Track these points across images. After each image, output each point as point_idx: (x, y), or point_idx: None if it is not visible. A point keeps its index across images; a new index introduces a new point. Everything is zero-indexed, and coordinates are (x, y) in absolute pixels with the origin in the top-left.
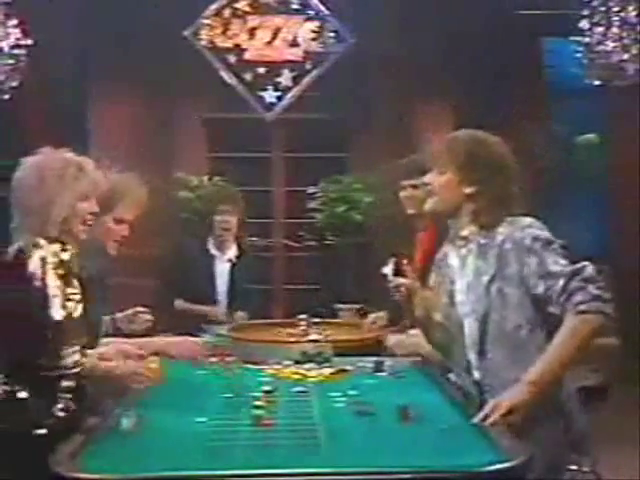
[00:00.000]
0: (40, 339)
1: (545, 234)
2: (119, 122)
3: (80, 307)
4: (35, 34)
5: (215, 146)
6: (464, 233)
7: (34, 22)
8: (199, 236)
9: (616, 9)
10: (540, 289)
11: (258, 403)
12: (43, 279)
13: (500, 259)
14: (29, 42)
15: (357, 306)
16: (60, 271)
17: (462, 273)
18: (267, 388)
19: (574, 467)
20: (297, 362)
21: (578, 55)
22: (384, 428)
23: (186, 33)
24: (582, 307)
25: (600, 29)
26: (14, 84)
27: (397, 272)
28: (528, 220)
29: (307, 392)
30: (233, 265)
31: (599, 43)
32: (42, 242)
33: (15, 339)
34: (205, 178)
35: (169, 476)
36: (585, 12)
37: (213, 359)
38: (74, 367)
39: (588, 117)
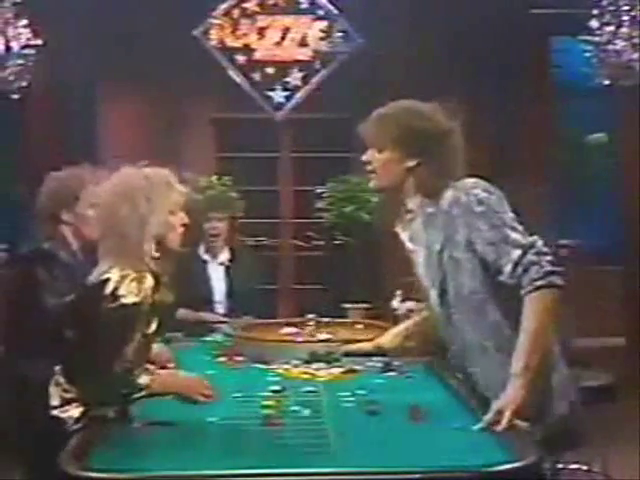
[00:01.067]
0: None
1: (492, 198)
2: (127, 122)
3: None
4: (45, 34)
5: (223, 146)
6: (410, 206)
7: (44, 22)
8: (191, 241)
9: (626, 8)
10: (490, 256)
11: (267, 403)
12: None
13: (448, 225)
14: (39, 42)
15: (365, 306)
16: (143, 300)
17: (415, 247)
18: (276, 388)
19: (584, 467)
20: (306, 362)
21: (587, 54)
22: (393, 428)
23: (195, 33)
24: (539, 283)
25: (610, 28)
26: (24, 84)
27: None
28: (472, 181)
29: (316, 392)
30: (227, 268)
31: (609, 42)
32: (131, 273)
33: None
34: (213, 178)
35: (179, 475)
36: (595, 11)
37: (222, 359)
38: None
39: (597, 116)
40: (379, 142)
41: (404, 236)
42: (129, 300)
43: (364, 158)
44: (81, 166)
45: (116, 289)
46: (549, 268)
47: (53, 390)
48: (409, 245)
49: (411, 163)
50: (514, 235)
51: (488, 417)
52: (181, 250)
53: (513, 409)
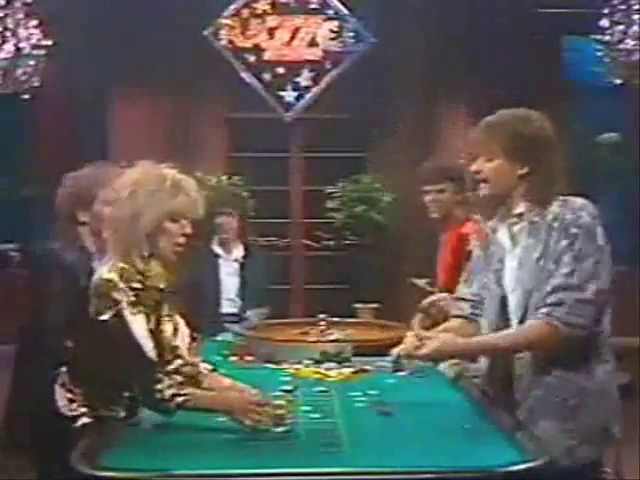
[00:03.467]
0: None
1: (590, 225)
2: (138, 121)
3: (168, 329)
4: (57, 34)
5: (234, 146)
6: (518, 210)
7: (57, 22)
8: (206, 236)
9: (636, 7)
10: (560, 271)
11: (279, 402)
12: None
13: (549, 237)
14: (49, 42)
15: (376, 305)
16: (144, 298)
17: (513, 251)
18: (287, 387)
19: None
20: (317, 362)
21: (598, 54)
22: (404, 428)
23: (206, 33)
24: (559, 319)
25: (620, 27)
26: (35, 84)
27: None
28: (582, 202)
29: (327, 392)
30: (242, 265)
31: (620, 41)
32: (126, 267)
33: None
34: (224, 178)
35: (189, 475)
36: (605, 10)
37: (233, 358)
38: (171, 400)
39: (609, 116)
40: (489, 151)
41: (502, 235)
42: (121, 299)
43: (474, 168)
44: (99, 165)
45: (108, 290)
46: (573, 314)
47: (59, 390)
48: (507, 244)
49: (522, 171)
50: (575, 268)
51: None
52: (173, 260)
53: (436, 349)
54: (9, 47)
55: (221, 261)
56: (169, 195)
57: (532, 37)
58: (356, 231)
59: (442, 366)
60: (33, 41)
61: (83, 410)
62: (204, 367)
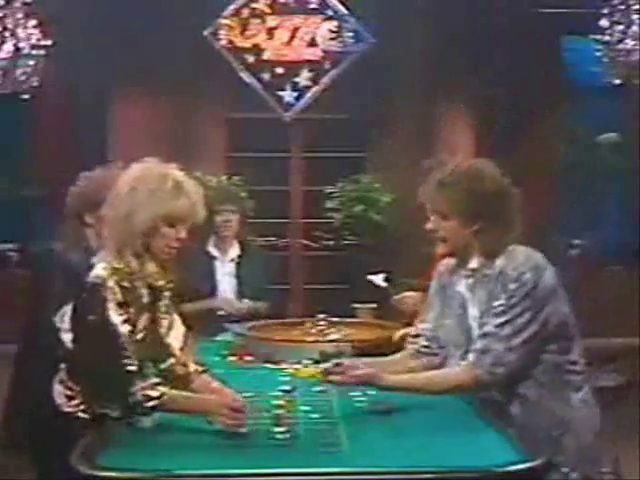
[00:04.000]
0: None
1: (530, 282)
2: (139, 122)
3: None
4: (57, 34)
5: (234, 146)
6: (472, 265)
7: (56, 22)
8: (200, 237)
9: (636, 7)
10: (494, 320)
11: (278, 402)
12: (107, 315)
13: (493, 288)
14: (49, 42)
15: (374, 305)
16: (133, 297)
17: (473, 301)
18: (286, 387)
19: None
20: (316, 362)
21: (598, 53)
22: (404, 427)
23: (206, 33)
24: (483, 367)
25: (620, 27)
26: (34, 84)
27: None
28: (522, 256)
29: (326, 392)
30: (238, 264)
31: (619, 41)
32: (119, 267)
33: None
34: (223, 178)
35: (188, 475)
36: (605, 10)
37: (233, 358)
38: (144, 402)
39: (609, 116)
40: (443, 209)
41: (460, 286)
42: (111, 297)
43: (429, 227)
44: (112, 166)
45: (97, 288)
46: (497, 363)
47: (57, 388)
48: (466, 294)
49: (476, 227)
50: (508, 320)
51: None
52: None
53: (365, 377)
54: (8, 47)
55: (217, 262)
56: (169, 196)
57: (532, 37)
58: (355, 231)
59: None
60: (32, 41)
61: (81, 407)
62: (195, 367)
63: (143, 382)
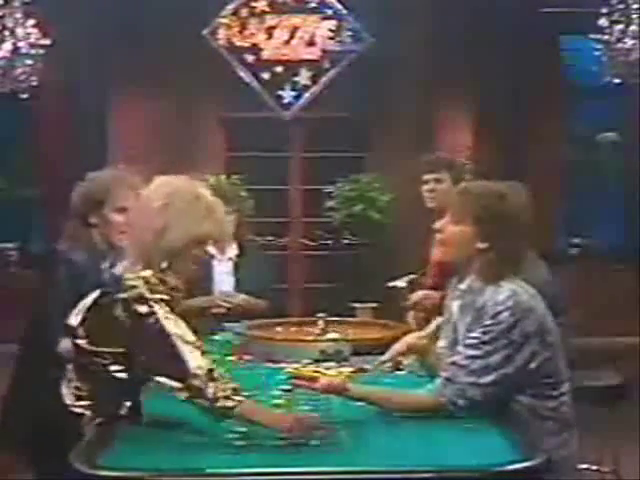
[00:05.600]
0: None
1: (507, 321)
2: (138, 122)
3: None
4: (55, 34)
5: (233, 145)
6: (462, 286)
7: (54, 22)
8: None
9: (635, 6)
10: (466, 352)
11: (277, 402)
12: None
13: (473, 320)
14: (48, 42)
15: (374, 305)
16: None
17: (461, 321)
18: (286, 387)
19: (594, 467)
20: (316, 361)
21: (597, 53)
22: (404, 427)
23: (204, 32)
24: (447, 396)
25: (619, 27)
26: (33, 83)
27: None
28: (506, 295)
29: None
30: (236, 264)
31: (618, 41)
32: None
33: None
34: (222, 177)
35: (189, 474)
36: (604, 10)
37: (232, 357)
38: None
39: (608, 115)
40: (458, 215)
41: (454, 305)
42: (139, 307)
43: (437, 225)
44: (118, 168)
45: (142, 292)
46: (461, 396)
47: (65, 387)
48: (457, 315)
49: (483, 245)
50: (480, 356)
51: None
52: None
53: (325, 387)
54: (7, 46)
55: (215, 261)
56: (202, 217)
57: (532, 37)
58: (355, 230)
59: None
60: (31, 40)
61: (92, 407)
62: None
63: (219, 385)
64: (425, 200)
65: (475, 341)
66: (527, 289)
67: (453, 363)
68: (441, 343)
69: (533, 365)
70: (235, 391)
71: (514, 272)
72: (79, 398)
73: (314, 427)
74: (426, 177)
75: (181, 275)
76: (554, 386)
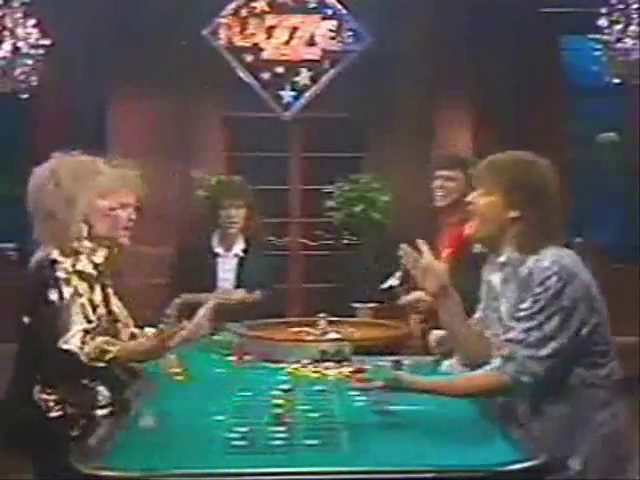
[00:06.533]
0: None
1: (555, 286)
2: (137, 121)
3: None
4: (54, 34)
5: (233, 145)
6: (501, 259)
7: (53, 22)
8: (205, 233)
9: (635, 6)
10: (520, 325)
11: (277, 402)
12: (61, 292)
13: (520, 291)
14: (48, 42)
15: (374, 305)
16: (84, 279)
17: (504, 296)
18: (286, 387)
19: None
20: (316, 361)
21: (597, 53)
22: (403, 427)
23: (205, 32)
24: (509, 374)
25: (619, 27)
26: (33, 84)
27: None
28: (553, 259)
29: (326, 391)
30: (241, 260)
31: (618, 40)
32: (66, 251)
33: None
34: (222, 177)
35: (190, 474)
36: (604, 10)
37: (232, 357)
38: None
39: (608, 115)
40: (488, 185)
41: (494, 279)
42: (66, 282)
43: (468, 198)
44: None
45: (53, 272)
46: (523, 371)
47: (38, 395)
48: (499, 288)
49: (515, 213)
50: (534, 327)
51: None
52: (111, 238)
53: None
54: (7, 46)
55: (220, 259)
56: (92, 176)
57: (532, 37)
58: (355, 230)
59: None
60: (31, 40)
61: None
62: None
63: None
64: (435, 197)
65: (527, 312)
66: (570, 254)
67: (509, 340)
68: (476, 315)
69: (584, 332)
70: (108, 343)
71: (552, 241)
72: (55, 403)
73: (176, 336)
74: (437, 173)
75: (109, 239)
76: (603, 353)
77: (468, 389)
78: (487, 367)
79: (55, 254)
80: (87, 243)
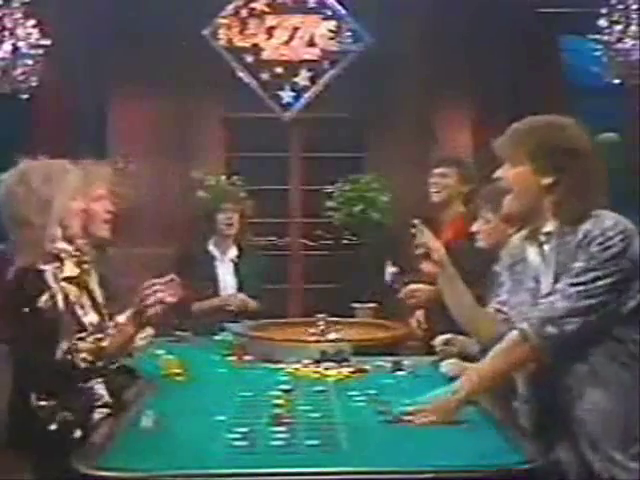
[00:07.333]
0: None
1: (617, 246)
2: (137, 122)
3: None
4: (55, 34)
5: (233, 145)
6: (547, 229)
7: (54, 22)
8: (203, 236)
9: (635, 7)
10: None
11: (277, 402)
12: (52, 298)
13: (576, 255)
14: (48, 42)
15: (374, 305)
16: (73, 283)
17: (548, 270)
18: (286, 387)
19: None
20: (316, 361)
21: (597, 53)
22: (404, 427)
23: (205, 32)
24: (538, 328)
25: (619, 27)
26: (33, 84)
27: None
28: (613, 221)
29: (326, 391)
30: (236, 265)
31: (618, 41)
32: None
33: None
34: (222, 177)
35: (190, 474)
36: (604, 10)
37: (232, 358)
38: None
39: (608, 116)
40: (514, 156)
41: (533, 255)
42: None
43: (498, 174)
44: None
45: (33, 279)
46: (551, 323)
47: (35, 403)
48: (540, 265)
49: (547, 180)
50: (579, 282)
51: (410, 409)
52: (91, 235)
53: (433, 413)
54: (7, 47)
55: (217, 262)
56: (62, 176)
57: (532, 37)
58: (355, 230)
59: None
60: (31, 41)
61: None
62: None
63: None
64: (430, 194)
65: (577, 270)
66: (625, 219)
67: (548, 294)
68: (498, 299)
69: (634, 302)
70: (99, 339)
71: (595, 206)
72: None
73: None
74: (433, 171)
75: (89, 237)
76: None
77: (510, 366)
78: (509, 336)
79: (40, 264)
80: (67, 246)
